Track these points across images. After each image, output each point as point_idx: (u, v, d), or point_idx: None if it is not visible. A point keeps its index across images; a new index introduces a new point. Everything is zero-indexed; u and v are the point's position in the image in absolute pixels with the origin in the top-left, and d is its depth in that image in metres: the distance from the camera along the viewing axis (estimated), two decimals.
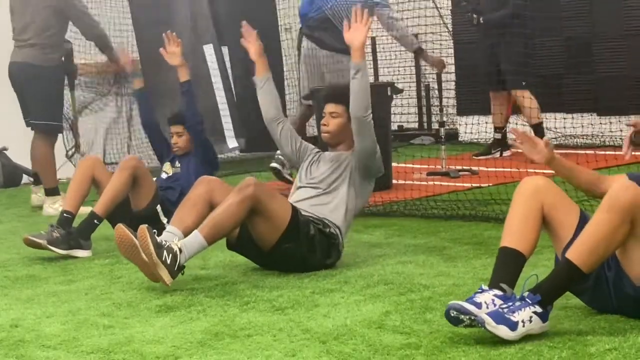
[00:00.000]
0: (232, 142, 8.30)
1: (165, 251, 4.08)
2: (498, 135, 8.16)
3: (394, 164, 7.22)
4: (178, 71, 5.72)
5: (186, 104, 5.72)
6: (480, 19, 7.82)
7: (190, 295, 4.11)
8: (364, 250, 4.91)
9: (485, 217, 5.51)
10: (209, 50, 8.71)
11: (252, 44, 5.01)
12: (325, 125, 4.75)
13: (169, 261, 4.08)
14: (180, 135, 5.72)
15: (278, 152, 7.45)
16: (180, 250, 4.12)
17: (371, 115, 4.56)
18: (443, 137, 7.59)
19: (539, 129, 7.75)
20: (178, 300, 4.03)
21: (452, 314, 3.17)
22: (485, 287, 3.28)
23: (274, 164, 7.35)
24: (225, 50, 8.77)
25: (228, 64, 8.68)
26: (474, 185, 6.62)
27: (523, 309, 3.14)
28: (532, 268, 3.40)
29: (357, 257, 4.73)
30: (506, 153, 8.11)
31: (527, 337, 3.17)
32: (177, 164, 5.77)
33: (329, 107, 4.74)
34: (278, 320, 3.64)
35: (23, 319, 3.91)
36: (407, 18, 9.35)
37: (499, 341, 3.16)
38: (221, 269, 4.65)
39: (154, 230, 4.18)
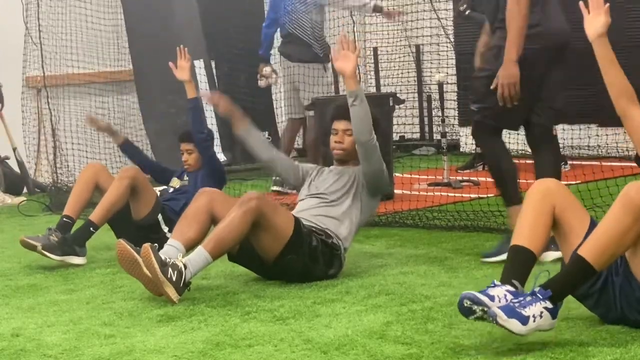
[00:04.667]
0: (219, 156, 8.38)
1: (170, 268, 4.08)
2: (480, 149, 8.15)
3: (395, 175, 7.22)
4: (186, 87, 5.66)
5: (192, 121, 5.70)
6: (467, 11, 7.76)
7: (191, 305, 4.10)
8: (365, 260, 4.91)
9: (487, 228, 5.51)
10: (199, 65, 8.79)
11: (216, 102, 5.01)
12: (340, 142, 4.71)
13: (174, 278, 4.07)
14: (191, 152, 5.73)
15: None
16: (185, 267, 4.11)
17: (375, 138, 4.55)
18: (445, 147, 7.60)
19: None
20: (179, 310, 4.02)
21: (466, 304, 3.16)
22: (497, 282, 3.28)
23: (274, 187, 7.45)
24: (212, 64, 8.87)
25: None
26: (476, 195, 6.61)
27: (534, 304, 3.14)
28: (534, 276, 3.40)
29: (358, 267, 4.73)
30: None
31: (528, 348, 3.17)
32: (185, 178, 5.78)
33: (343, 124, 4.69)
34: (279, 330, 3.63)
35: (24, 328, 3.91)
36: (409, 28, 9.39)
37: (500, 352, 3.16)
38: (222, 279, 4.65)
39: (156, 245, 4.18)
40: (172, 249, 4.29)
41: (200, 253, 4.18)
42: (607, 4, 3.49)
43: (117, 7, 9.14)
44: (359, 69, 9.26)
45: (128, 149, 6.06)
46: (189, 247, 4.34)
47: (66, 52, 8.71)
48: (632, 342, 3.19)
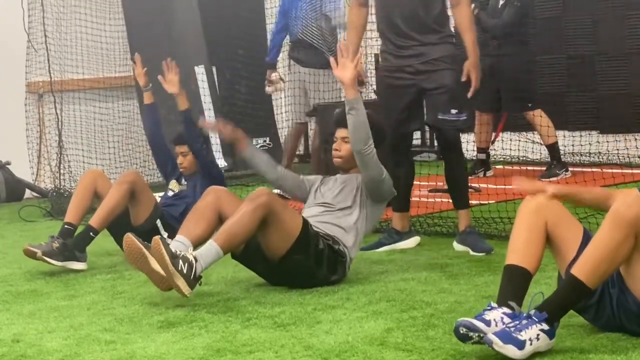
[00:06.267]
0: (220, 162, 8.38)
1: (180, 260, 4.05)
2: (482, 156, 8.17)
3: None
4: (177, 100, 5.70)
5: (186, 133, 5.72)
6: (476, 10, 7.80)
7: (192, 311, 4.10)
8: (366, 266, 4.91)
9: (487, 235, 5.50)
10: (200, 70, 8.80)
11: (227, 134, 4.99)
12: (337, 150, 4.76)
13: (185, 270, 4.04)
14: (185, 155, 5.72)
15: None
16: (196, 259, 4.10)
17: (372, 146, 4.56)
18: None
19: (554, 148, 7.74)
20: (180, 316, 4.02)
21: (462, 331, 3.17)
22: (494, 304, 3.28)
23: (276, 191, 7.46)
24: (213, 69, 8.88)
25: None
26: (477, 202, 6.61)
27: (530, 327, 3.14)
28: (534, 285, 3.40)
29: (359, 273, 4.73)
30: (489, 173, 8.11)
31: (529, 355, 3.16)
32: (184, 182, 5.78)
33: (341, 132, 4.73)
34: (280, 337, 3.63)
35: (25, 334, 3.91)
36: None
37: (501, 358, 3.16)
38: (223, 285, 4.64)
39: (166, 236, 4.17)
40: (179, 245, 4.26)
41: (211, 247, 4.16)
42: (553, 190, 3.46)
43: (119, 13, 9.15)
44: (366, 74, 9.25)
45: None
46: (196, 244, 4.33)
47: (69, 57, 8.71)
48: (632, 350, 3.19)
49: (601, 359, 3.12)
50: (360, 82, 5.28)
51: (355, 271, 4.75)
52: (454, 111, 5.09)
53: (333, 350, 3.40)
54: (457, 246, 5.20)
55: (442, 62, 5.09)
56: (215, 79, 9.02)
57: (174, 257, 4.05)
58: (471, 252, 5.07)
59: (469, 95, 5.15)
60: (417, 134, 10.00)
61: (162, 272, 4.08)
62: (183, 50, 8.56)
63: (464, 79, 5.09)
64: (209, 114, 8.84)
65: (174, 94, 5.69)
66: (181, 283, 4.04)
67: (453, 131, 5.20)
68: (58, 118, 8.41)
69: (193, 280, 4.08)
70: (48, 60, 8.35)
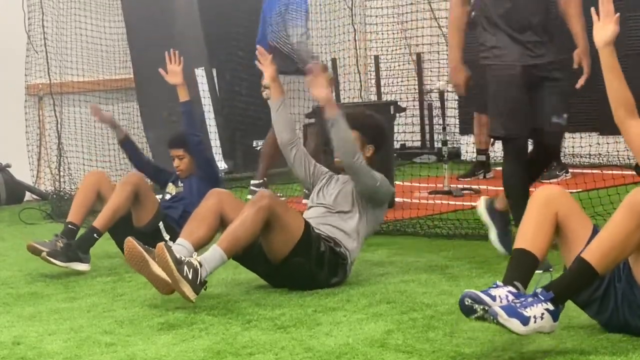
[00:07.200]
0: (220, 164, 8.39)
1: (185, 266, 4.06)
2: (482, 158, 8.16)
3: (396, 183, 7.22)
4: (178, 91, 5.64)
5: (186, 124, 5.69)
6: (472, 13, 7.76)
7: (192, 313, 4.10)
8: (366, 268, 4.91)
9: (487, 236, 5.50)
10: (200, 73, 8.81)
11: (266, 67, 4.97)
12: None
13: (190, 276, 4.05)
14: (182, 158, 5.71)
15: (252, 181, 7.56)
16: (201, 265, 4.10)
17: (361, 157, 4.56)
18: (446, 155, 7.61)
19: None
20: (180, 318, 4.02)
21: (467, 302, 3.16)
22: (499, 283, 3.28)
23: (249, 197, 7.48)
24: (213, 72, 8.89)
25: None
26: (477, 204, 6.60)
27: (535, 305, 3.14)
28: (535, 285, 3.40)
29: (359, 275, 4.73)
30: (489, 174, 8.11)
31: (530, 356, 3.17)
32: (180, 184, 5.77)
33: None
34: (280, 339, 3.63)
35: (25, 337, 3.91)
36: (409, 37, 9.39)
37: (500, 357, 3.17)
38: (224, 287, 4.64)
39: (170, 243, 4.17)
40: (181, 248, 4.27)
41: (215, 251, 4.17)
42: (618, 14, 3.52)
43: (119, 15, 9.17)
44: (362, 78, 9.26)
45: (128, 146, 5.99)
46: (198, 247, 4.33)
47: (69, 60, 8.73)
48: (633, 351, 3.19)
49: None
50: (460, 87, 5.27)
51: (355, 273, 4.75)
52: (565, 115, 4.88)
53: (333, 352, 3.40)
54: (496, 243, 5.02)
55: (557, 62, 4.90)
56: (216, 81, 9.04)
57: (178, 263, 4.05)
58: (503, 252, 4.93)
59: (579, 85, 4.90)
60: (417, 136, 10.03)
61: (164, 276, 4.09)
62: (183, 52, 8.58)
63: (575, 66, 4.90)
64: (209, 116, 8.86)
65: (177, 84, 5.64)
66: (187, 289, 4.05)
67: (560, 136, 5.02)
68: (57, 120, 8.41)
69: (198, 285, 4.09)
70: (47, 62, 8.36)
